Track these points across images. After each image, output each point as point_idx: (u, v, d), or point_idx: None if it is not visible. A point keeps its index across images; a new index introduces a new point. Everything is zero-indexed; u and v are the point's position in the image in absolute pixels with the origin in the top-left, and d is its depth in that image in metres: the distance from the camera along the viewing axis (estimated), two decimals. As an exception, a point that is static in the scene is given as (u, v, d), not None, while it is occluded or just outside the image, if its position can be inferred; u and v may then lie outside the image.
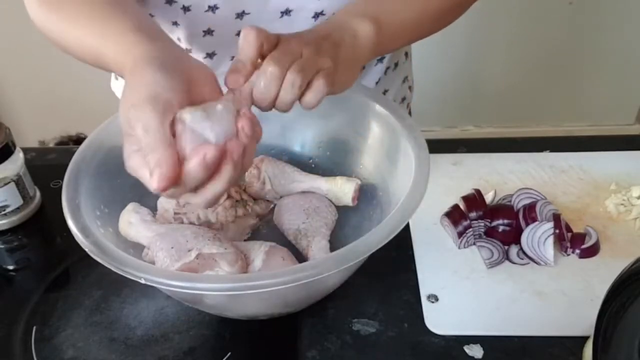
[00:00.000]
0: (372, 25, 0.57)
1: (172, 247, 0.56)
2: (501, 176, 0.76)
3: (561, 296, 0.61)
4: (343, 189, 0.65)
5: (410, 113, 0.95)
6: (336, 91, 0.54)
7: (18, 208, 0.74)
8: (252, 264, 0.57)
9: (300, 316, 0.60)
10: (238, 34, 0.73)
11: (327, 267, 0.47)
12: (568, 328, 0.58)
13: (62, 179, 0.57)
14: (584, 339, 0.54)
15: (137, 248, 0.60)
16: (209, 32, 0.72)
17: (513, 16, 1.80)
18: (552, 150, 0.81)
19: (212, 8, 0.69)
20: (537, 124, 2.03)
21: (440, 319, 0.59)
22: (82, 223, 0.52)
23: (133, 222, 0.60)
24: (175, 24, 0.72)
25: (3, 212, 0.73)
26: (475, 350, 0.57)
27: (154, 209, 0.64)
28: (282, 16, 0.71)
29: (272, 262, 0.57)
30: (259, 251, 0.57)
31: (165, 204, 0.64)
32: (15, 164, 0.72)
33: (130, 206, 0.62)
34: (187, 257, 0.54)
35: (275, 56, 0.50)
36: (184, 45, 0.75)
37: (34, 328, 0.61)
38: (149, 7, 0.72)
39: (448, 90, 1.96)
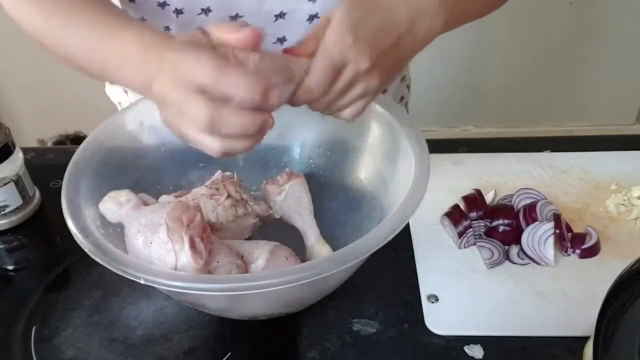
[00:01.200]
0: (444, 18, 0.53)
1: (144, 225, 0.55)
2: (501, 176, 0.76)
3: (561, 296, 0.61)
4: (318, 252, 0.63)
5: (407, 112, 0.95)
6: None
7: (18, 208, 0.74)
8: (254, 262, 0.57)
9: (300, 316, 0.60)
10: None
11: (327, 267, 0.47)
12: (568, 328, 0.57)
13: (61, 179, 0.57)
14: (585, 339, 0.54)
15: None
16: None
17: (513, 16, 1.80)
18: (552, 150, 0.81)
19: (205, 11, 0.68)
20: (537, 124, 2.03)
21: (441, 319, 0.59)
22: (82, 223, 0.52)
23: (121, 201, 0.59)
24: (167, 28, 0.72)
25: (2, 212, 0.73)
26: (476, 351, 0.56)
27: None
28: (276, 19, 0.70)
29: (275, 262, 0.57)
30: (262, 250, 0.57)
31: (166, 197, 0.64)
32: (15, 164, 0.72)
33: (124, 191, 0.60)
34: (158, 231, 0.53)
35: (341, 55, 0.48)
36: None
37: (34, 328, 0.61)
38: (141, 11, 0.71)
39: (448, 90, 1.96)
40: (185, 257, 0.51)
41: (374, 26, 0.49)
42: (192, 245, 0.51)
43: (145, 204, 0.60)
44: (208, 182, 0.65)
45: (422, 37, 0.53)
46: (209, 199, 0.62)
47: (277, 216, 0.67)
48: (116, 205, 0.57)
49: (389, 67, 0.51)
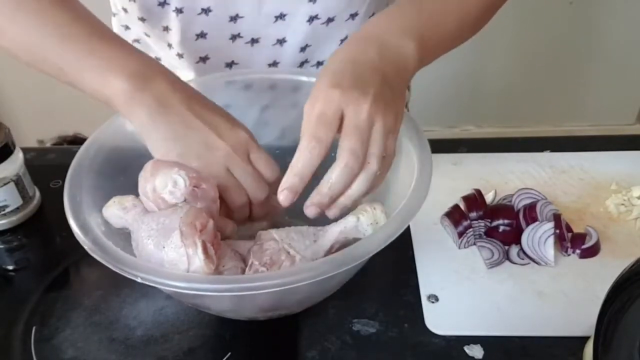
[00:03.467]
0: (415, 43, 0.53)
1: (156, 229, 0.55)
2: (501, 176, 0.76)
3: (561, 296, 0.61)
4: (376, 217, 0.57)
5: (407, 109, 0.95)
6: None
7: (17, 208, 0.74)
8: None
9: (300, 316, 0.60)
10: (232, 38, 0.74)
11: (325, 270, 0.46)
12: (568, 328, 0.57)
13: (61, 179, 0.57)
14: (585, 339, 0.54)
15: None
16: (202, 35, 0.71)
17: (513, 16, 1.80)
18: (552, 150, 0.80)
19: (205, 11, 0.68)
20: (537, 124, 2.03)
21: (441, 319, 0.59)
22: (82, 220, 0.52)
23: (127, 207, 0.59)
24: (166, 29, 0.72)
25: (2, 212, 0.73)
26: (476, 351, 0.56)
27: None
28: (276, 20, 0.70)
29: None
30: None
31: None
32: (15, 164, 0.72)
33: (130, 196, 0.60)
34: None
35: (351, 147, 0.47)
36: (176, 50, 0.75)
37: (34, 328, 0.61)
38: (141, 10, 0.71)
39: (448, 90, 1.96)
40: (198, 261, 0.51)
41: (353, 72, 0.49)
42: (205, 250, 0.51)
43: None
44: None
45: (400, 62, 0.52)
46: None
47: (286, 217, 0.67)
48: (121, 210, 0.57)
49: (392, 103, 0.50)
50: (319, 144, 0.47)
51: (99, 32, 0.54)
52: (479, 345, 0.57)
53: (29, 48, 0.55)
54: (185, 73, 0.79)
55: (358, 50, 0.52)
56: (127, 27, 0.80)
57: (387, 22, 0.54)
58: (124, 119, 0.64)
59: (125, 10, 0.74)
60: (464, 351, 0.57)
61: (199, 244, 0.51)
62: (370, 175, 0.49)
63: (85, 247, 0.49)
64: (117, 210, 0.57)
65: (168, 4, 0.68)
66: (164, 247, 0.52)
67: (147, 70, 0.52)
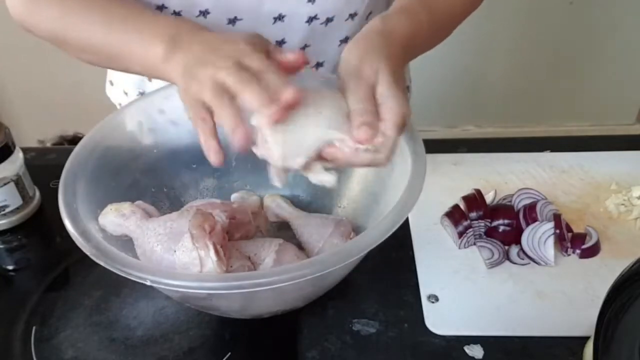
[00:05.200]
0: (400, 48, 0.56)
1: (164, 234, 0.55)
2: (501, 176, 0.76)
3: (562, 296, 0.61)
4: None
5: None
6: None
7: (17, 208, 0.74)
8: (262, 263, 0.57)
9: (300, 316, 0.60)
10: None
11: (326, 264, 0.47)
12: (568, 328, 0.57)
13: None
14: (585, 339, 0.54)
15: (135, 249, 0.60)
16: None
17: (513, 16, 1.80)
18: (552, 150, 0.81)
19: (203, 13, 0.68)
20: (537, 124, 2.03)
21: (441, 319, 0.59)
22: (81, 227, 0.52)
23: (126, 214, 0.59)
24: None
25: (2, 212, 0.73)
26: (476, 351, 0.56)
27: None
28: (275, 22, 0.70)
29: (283, 260, 0.57)
30: (269, 250, 0.58)
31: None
32: (15, 164, 0.72)
33: (126, 203, 0.61)
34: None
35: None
36: None
37: (34, 328, 0.61)
38: None
39: (448, 90, 1.96)
40: (210, 263, 0.51)
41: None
42: (216, 252, 0.52)
43: (149, 214, 0.60)
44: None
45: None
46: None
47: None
48: (120, 217, 0.57)
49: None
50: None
51: (135, 10, 0.58)
52: (479, 345, 0.57)
53: (85, 44, 0.60)
54: None
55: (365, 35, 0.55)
56: None
57: (381, 24, 0.56)
58: (117, 118, 0.65)
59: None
60: (464, 351, 0.57)
61: (211, 246, 0.51)
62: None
63: (90, 255, 0.49)
64: (115, 218, 0.57)
65: (166, 7, 0.68)
66: (175, 251, 0.52)
67: (183, 32, 0.54)
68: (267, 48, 0.52)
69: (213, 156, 0.49)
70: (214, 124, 0.48)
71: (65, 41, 0.61)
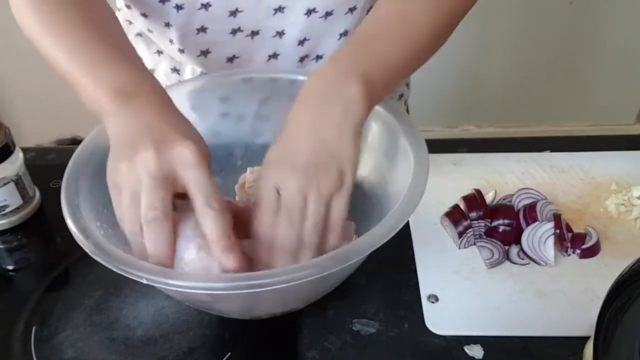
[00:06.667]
0: (360, 85, 0.53)
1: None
2: (501, 176, 0.76)
3: (562, 296, 0.61)
4: None
5: (407, 110, 0.96)
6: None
7: (17, 208, 0.74)
8: None
9: (300, 316, 0.60)
10: (232, 32, 0.74)
11: (327, 266, 0.47)
12: (568, 328, 0.57)
13: (62, 179, 0.57)
14: (585, 339, 0.54)
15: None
16: (202, 29, 0.72)
17: (513, 16, 1.80)
18: (552, 150, 0.80)
19: (205, 6, 0.69)
20: (537, 124, 2.03)
21: (441, 319, 0.59)
22: (82, 225, 0.52)
23: None
24: (167, 25, 0.72)
25: (2, 212, 0.73)
26: (476, 351, 0.56)
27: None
28: (275, 13, 0.71)
29: None
30: None
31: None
32: (15, 164, 0.72)
33: None
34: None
35: (282, 233, 0.51)
36: (177, 45, 0.75)
37: (34, 328, 0.61)
38: (141, 7, 0.72)
39: (448, 90, 1.96)
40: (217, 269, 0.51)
41: (285, 148, 0.53)
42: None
43: None
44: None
45: (347, 106, 0.52)
46: None
47: None
48: None
49: (331, 160, 0.51)
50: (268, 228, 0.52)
51: (105, 45, 0.56)
52: (479, 345, 0.57)
53: (53, 66, 0.58)
54: (188, 67, 0.80)
55: (296, 117, 0.54)
56: (130, 22, 0.81)
57: (331, 70, 0.55)
58: None
59: (128, 6, 0.75)
60: (464, 351, 0.57)
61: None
62: (311, 249, 0.52)
63: (89, 252, 0.49)
64: None
65: (168, 0, 0.68)
66: (182, 259, 0.51)
67: (131, 88, 0.53)
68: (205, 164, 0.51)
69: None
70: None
71: (38, 48, 0.59)
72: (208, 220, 0.48)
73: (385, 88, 0.57)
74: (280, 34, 0.74)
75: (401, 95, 0.92)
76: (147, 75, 0.56)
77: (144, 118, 0.51)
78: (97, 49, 0.55)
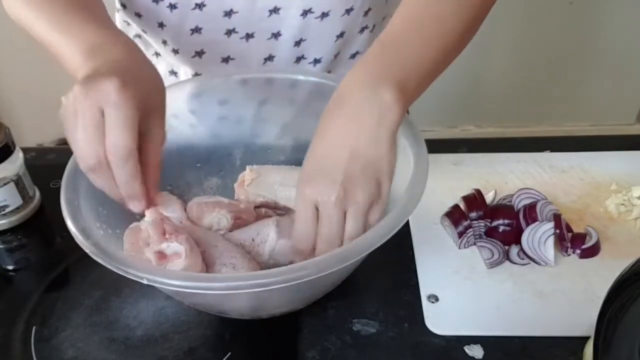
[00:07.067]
0: (394, 89, 0.52)
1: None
2: (501, 176, 0.76)
3: (562, 296, 0.61)
4: None
5: (407, 111, 0.95)
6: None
7: (17, 208, 0.74)
8: (268, 239, 0.58)
9: (300, 316, 0.60)
10: (227, 33, 0.74)
11: (328, 265, 0.47)
12: (569, 328, 0.57)
13: (62, 179, 0.57)
14: (585, 339, 0.54)
15: (136, 248, 0.60)
16: (196, 30, 0.72)
17: (513, 16, 1.80)
18: (552, 150, 0.80)
19: (199, 5, 0.68)
20: (537, 124, 2.03)
21: (441, 319, 0.59)
22: (82, 225, 0.52)
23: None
24: (161, 25, 0.72)
25: (2, 212, 0.73)
26: (476, 351, 0.56)
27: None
28: (270, 14, 0.70)
29: (284, 232, 0.58)
30: (270, 226, 0.59)
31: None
32: (15, 164, 0.72)
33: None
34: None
35: (324, 239, 0.52)
36: (171, 46, 0.75)
37: (34, 328, 0.61)
38: (136, 6, 0.72)
39: (448, 90, 1.96)
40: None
41: (322, 163, 0.52)
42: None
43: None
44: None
45: (382, 113, 0.52)
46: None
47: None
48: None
49: (368, 171, 0.51)
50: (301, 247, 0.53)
51: (77, 10, 0.57)
52: (479, 345, 0.57)
53: (32, 25, 0.59)
54: (183, 69, 0.80)
55: (330, 125, 0.53)
56: (128, 24, 0.81)
57: (363, 75, 0.53)
58: None
59: (124, 6, 0.75)
60: (464, 351, 0.57)
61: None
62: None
63: (89, 252, 0.49)
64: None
65: (162, 0, 0.68)
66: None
67: (100, 44, 0.53)
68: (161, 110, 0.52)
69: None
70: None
71: (20, 20, 0.61)
72: (113, 167, 0.48)
73: (417, 91, 0.56)
74: (276, 35, 0.73)
75: None
76: (116, 32, 0.56)
77: (104, 64, 0.51)
78: (74, 17, 0.56)
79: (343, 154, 0.51)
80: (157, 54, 0.81)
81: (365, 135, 0.51)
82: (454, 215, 0.68)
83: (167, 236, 0.52)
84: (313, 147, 0.53)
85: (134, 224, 0.58)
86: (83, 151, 0.48)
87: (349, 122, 0.52)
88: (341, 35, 0.75)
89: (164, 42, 0.75)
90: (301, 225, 0.52)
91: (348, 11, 0.73)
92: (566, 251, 0.65)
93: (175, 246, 0.52)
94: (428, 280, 0.63)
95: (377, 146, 0.51)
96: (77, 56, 0.52)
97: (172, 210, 0.61)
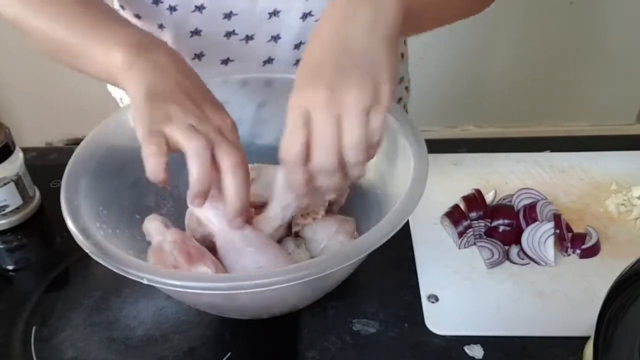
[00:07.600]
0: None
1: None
2: (501, 176, 0.76)
3: (562, 296, 0.61)
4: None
5: (407, 111, 0.95)
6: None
7: (18, 208, 0.74)
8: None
9: (300, 316, 0.60)
10: (226, 35, 0.74)
11: (328, 265, 0.47)
12: (569, 328, 0.57)
13: (62, 179, 0.57)
14: (585, 339, 0.54)
15: (136, 249, 0.60)
16: (196, 32, 0.71)
17: (514, 16, 1.80)
18: (552, 150, 0.81)
19: (199, 8, 0.68)
20: (537, 124, 2.03)
21: (441, 319, 0.59)
22: (82, 225, 0.52)
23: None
24: (161, 26, 0.72)
25: (2, 212, 0.73)
26: (476, 351, 0.56)
27: (151, 210, 0.64)
28: (270, 17, 0.70)
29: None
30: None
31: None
32: (15, 163, 0.72)
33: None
34: None
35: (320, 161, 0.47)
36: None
37: (34, 328, 0.61)
38: (135, 8, 0.71)
39: (448, 90, 1.96)
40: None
41: (314, 63, 0.48)
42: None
43: None
44: None
45: (380, 9, 0.48)
46: None
47: None
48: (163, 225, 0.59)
49: (366, 73, 0.46)
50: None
51: (105, 14, 0.57)
52: (479, 345, 0.57)
53: (47, 38, 0.58)
54: None
55: (321, 27, 0.49)
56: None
57: None
58: (120, 116, 0.65)
59: (122, 7, 0.75)
60: (464, 351, 0.57)
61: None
62: (359, 167, 0.48)
63: (89, 252, 0.49)
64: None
65: (162, 2, 0.68)
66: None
67: (147, 42, 0.54)
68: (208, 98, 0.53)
69: (160, 174, 0.49)
70: (167, 149, 0.49)
71: (27, 30, 0.59)
72: (232, 180, 0.49)
73: (417, 9, 0.52)
74: (276, 38, 0.73)
75: (400, 99, 0.92)
76: (154, 35, 0.56)
77: (169, 73, 0.51)
78: (96, 21, 0.56)
79: (333, 53, 0.47)
80: None
81: (359, 31, 0.46)
82: (454, 215, 0.68)
83: (193, 261, 0.53)
84: (304, 54, 0.49)
85: (157, 242, 0.57)
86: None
87: (341, 15, 0.48)
88: None
89: None
90: (287, 133, 0.47)
91: None
92: (566, 251, 0.65)
93: (202, 269, 0.53)
94: (428, 280, 0.63)
95: (370, 41, 0.46)
96: (118, 53, 0.52)
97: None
